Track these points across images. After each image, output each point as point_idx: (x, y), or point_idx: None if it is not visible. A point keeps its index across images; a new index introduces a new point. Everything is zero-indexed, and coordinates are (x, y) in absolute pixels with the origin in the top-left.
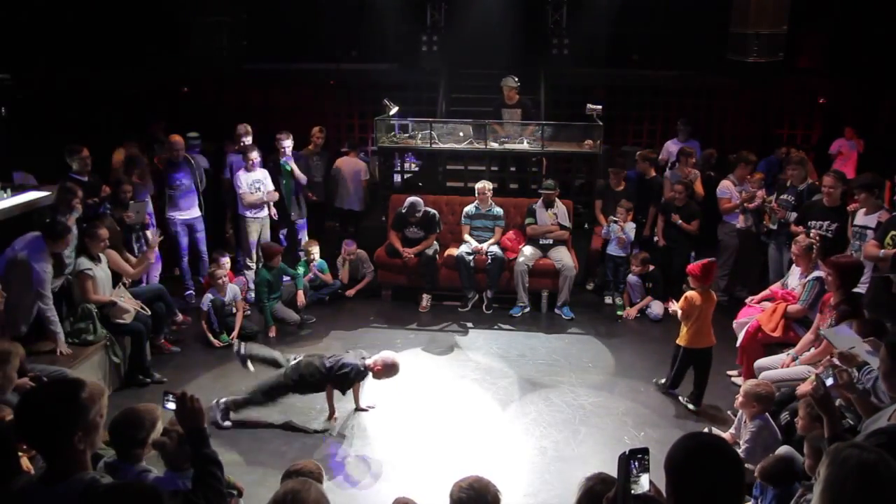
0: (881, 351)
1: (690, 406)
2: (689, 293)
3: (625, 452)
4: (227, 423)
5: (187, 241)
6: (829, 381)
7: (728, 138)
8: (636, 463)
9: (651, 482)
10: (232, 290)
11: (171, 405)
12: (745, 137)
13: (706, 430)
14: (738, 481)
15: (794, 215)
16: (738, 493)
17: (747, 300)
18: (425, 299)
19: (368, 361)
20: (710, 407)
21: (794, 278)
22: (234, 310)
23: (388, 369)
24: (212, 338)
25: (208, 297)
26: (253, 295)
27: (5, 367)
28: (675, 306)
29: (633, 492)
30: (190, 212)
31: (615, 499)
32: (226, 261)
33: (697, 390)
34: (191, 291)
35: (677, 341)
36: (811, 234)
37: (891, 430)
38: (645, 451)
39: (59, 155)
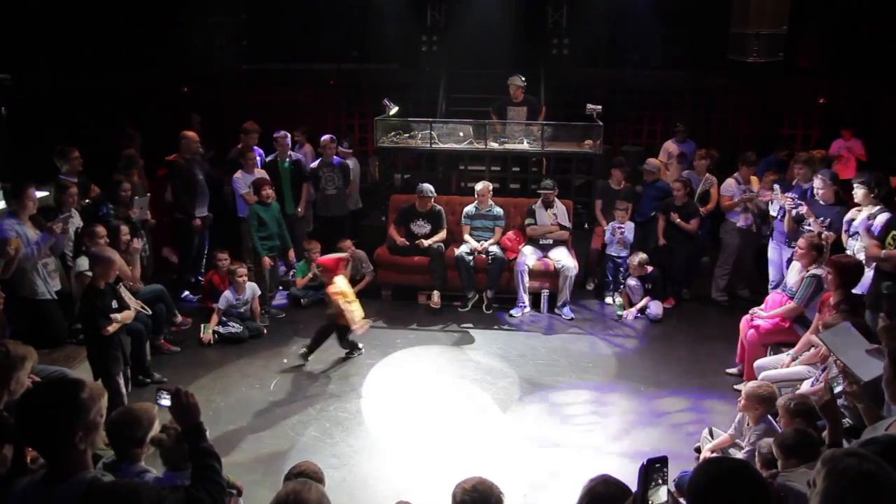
0: (885, 359)
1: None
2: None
3: (644, 462)
4: None
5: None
6: (838, 389)
7: (728, 138)
8: (655, 474)
9: (670, 493)
10: (251, 287)
11: (166, 401)
12: (744, 137)
13: (706, 430)
14: None
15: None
16: None
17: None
18: (436, 295)
19: None
20: (709, 407)
21: (793, 275)
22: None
23: None
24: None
25: (226, 295)
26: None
27: (19, 372)
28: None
29: (651, 503)
30: (200, 210)
31: None
32: (224, 256)
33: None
34: (187, 292)
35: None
36: (816, 231)
37: (883, 440)
38: (664, 460)
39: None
